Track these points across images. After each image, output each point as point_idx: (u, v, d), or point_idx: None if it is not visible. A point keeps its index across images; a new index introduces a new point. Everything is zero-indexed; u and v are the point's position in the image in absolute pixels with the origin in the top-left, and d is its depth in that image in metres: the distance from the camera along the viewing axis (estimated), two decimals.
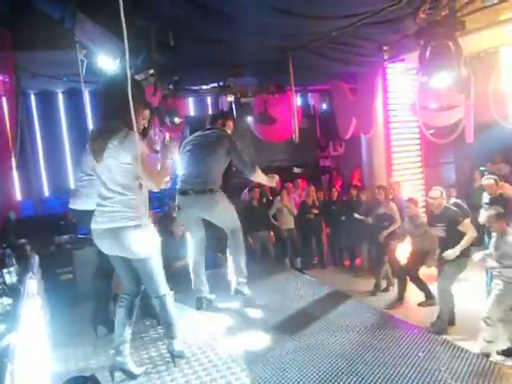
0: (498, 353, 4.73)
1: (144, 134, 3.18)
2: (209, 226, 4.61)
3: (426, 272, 6.58)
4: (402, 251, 7.16)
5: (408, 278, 6.63)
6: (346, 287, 6.65)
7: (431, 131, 8.34)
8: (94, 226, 3.01)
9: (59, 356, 3.56)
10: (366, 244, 8.20)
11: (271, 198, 9.09)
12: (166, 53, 5.39)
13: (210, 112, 11.33)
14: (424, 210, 7.95)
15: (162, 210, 8.29)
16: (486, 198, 6.55)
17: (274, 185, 4.85)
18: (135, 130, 2.76)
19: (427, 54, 4.46)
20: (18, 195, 8.78)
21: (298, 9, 4.62)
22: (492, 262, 5.02)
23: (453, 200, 6.68)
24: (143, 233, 2.97)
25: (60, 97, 9.98)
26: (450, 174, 11.36)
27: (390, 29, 5.54)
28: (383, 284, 7.45)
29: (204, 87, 9.12)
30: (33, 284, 3.33)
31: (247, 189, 8.96)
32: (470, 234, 5.46)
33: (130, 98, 2.59)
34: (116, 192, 2.91)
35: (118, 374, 3.16)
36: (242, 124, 9.32)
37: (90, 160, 3.05)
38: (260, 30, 5.14)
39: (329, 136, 12.56)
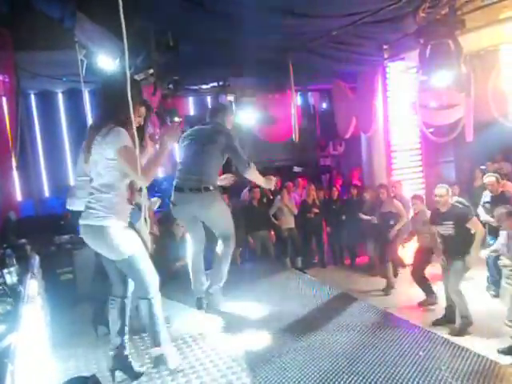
0: (499, 351, 4.72)
1: (140, 131, 3.12)
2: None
3: (432, 271, 6.56)
4: (409, 250, 7.18)
5: (412, 277, 6.60)
6: (346, 286, 6.65)
7: (431, 130, 8.34)
8: (79, 221, 2.98)
9: (60, 356, 3.55)
10: (372, 243, 8.18)
11: (271, 197, 9.09)
12: (166, 53, 5.40)
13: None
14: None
15: (163, 210, 8.29)
16: (486, 196, 6.54)
17: (270, 187, 4.67)
18: (134, 127, 2.73)
19: (427, 52, 4.47)
20: (19, 195, 8.76)
21: (298, 8, 4.62)
22: (505, 260, 5.01)
23: (455, 198, 6.65)
24: (122, 233, 2.88)
25: (60, 97, 9.96)
26: (449, 172, 11.35)
27: (389, 28, 5.54)
28: (385, 283, 7.44)
29: (204, 87, 9.13)
30: (33, 284, 3.33)
31: (247, 188, 8.95)
32: (480, 230, 5.39)
33: (130, 98, 2.59)
34: (99, 189, 2.87)
35: (119, 374, 3.16)
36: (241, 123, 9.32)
37: (83, 158, 3.03)
38: (260, 29, 5.14)
39: (329, 135, 12.54)
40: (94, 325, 4.07)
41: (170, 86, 7.39)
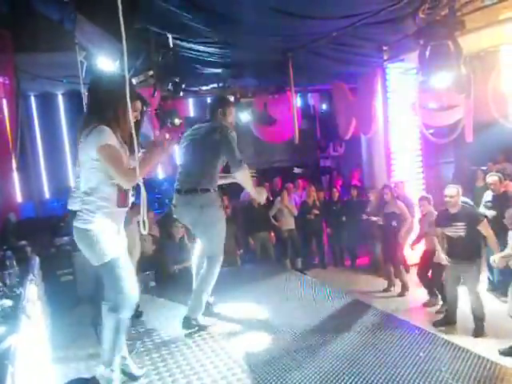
0: (500, 352, 4.71)
1: (137, 126, 3.07)
2: None
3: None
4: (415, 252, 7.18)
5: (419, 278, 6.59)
6: (346, 287, 6.65)
7: (431, 131, 8.35)
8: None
9: (60, 358, 3.55)
10: (375, 244, 8.17)
11: (271, 198, 9.09)
12: (166, 54, 5.41)
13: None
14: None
15: (162, 211, 8.30)
16: (488, 196, 6.53)
17: (259, 200, 4.23)
18: (131, 124, 2.65)
19: (427, 53, 4.47)
20: (19, 197, 8.77)
21: (298, 9, 4.63)
22: None
23: (462, 198, 6.59)
24: (103, 237, 2.75)
25: (60, 98, 9.99)
26: (449, 173, 11.36)
27: (389, 29, 5.55)
28: (385, 284, 7.44)
29: (204, 88, 9.13)
30: (33, 286, 3.33)
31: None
32: (491, 232, 5.32)
33: (128, 97, 2.55)
34: (85, 192, 2.80)
35: (119, 376, 3.15)
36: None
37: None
38: (260, 30, 5.15)
39: (329, 136, 12.57)
40: (94, 326, 4.06)
41: (170, 87, 7.41)
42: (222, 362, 3.34)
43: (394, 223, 7.18)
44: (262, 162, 11.92)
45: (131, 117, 2.64)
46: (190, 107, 11.39)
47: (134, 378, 3.16)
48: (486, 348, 4.64)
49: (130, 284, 2.86)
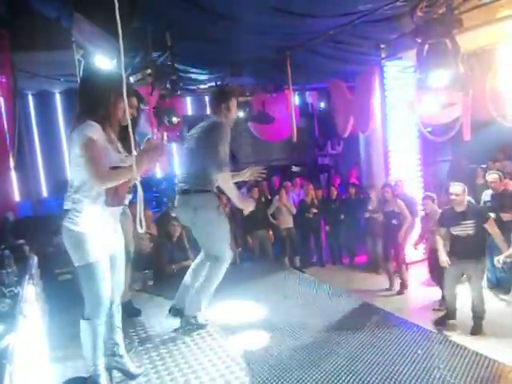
0: None
1: (133, 123, 3.04)
2: None
3: None
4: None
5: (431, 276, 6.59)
6: (345, 285, 6.67)
7: (429, 129, 8.34)
8: None
9: (58, 357, 3.55)
10: (374, 241, 8.17)
11: (270, 197, 9.09)
12: (164, 53, 5.40)
13: (208, 112, 11.33)
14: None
15: (160, 209, 8.29)
16: (486, 195, 6.54)
17: (245, 210, 3.87)
18: (128, 120, 2.62)
19: (425, 51, 4.46)
20: (16, 196, 8.75)
21: (296, 8, 4.63)
22: None
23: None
24: (83, 238, 2.69)
25: (58, 97, 9.97)
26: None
27: (387, 27, 5.55)
28: (385, 282, 7.45)
29: (202, 87, 9.12)
30: (31, 285, 3.33)
31: (245, 187, 8.95)
32: (497, 230, 5.30)
33: (125, 95, 2.54)
34: (73, 190, 2.73)
35: (118, 375, 3.16)
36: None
37: None
38: (258, 29, 5.15)
39: (327, 134, 12.58)
40: None
41: (168, 85, 7.41)
42: (220, 361, 3.34)
43: (395, 221, 7.19)
44: (260, 160, 11.93)
45: (127, 113, 2.61)
46: (188, 106, 11.39)
47: (132, 376, 3.15)
48: (484, 346, 4.66)
49: (106, 290, 2.82)
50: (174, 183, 4.12)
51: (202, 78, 8.19)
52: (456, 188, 5.35)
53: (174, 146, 10.30)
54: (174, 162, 10.71)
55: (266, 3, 4.43)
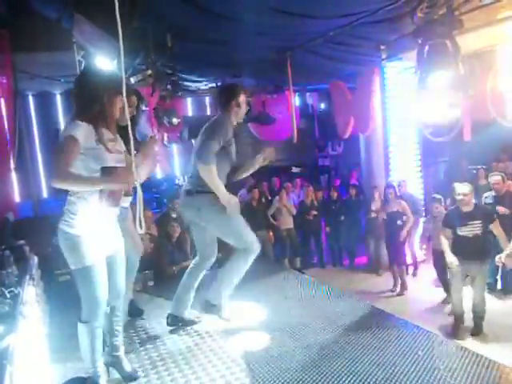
0: None
1: (133, 121, 3.01)
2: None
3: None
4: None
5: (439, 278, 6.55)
6: (345, 286, 6.66)
7: (429, 130, 8.34)
8: None
9: (58, 357, 3.54)
10: (376, 243, 8.17)
11: (270, 197, 9.09)
12: (164, 54, 5.39)
13: (209, 113, 11.34)
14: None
15: (160, 210, 8.29)
16: (488, 198, 6.51)
17: (229, 208, 3.71)
18: (128, 120, 2.61)
19: (425, 52, 4.47)
20: (17, 196, 8.76)
21: (296, 9, 4.63)
22: None
23: None
24: (77, 240, 2.65)
25: (58, 98, 9.98)
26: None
27: (387, 28, 5.55)
28: (386, 283, 7.45)
29: (202, 87, 9.13)
30: (32, 285, 3.33)
31: (245, 188, 8.96)
32: (502, 231, 5.27)
33: (125, 95, 2.54)
34: (67, 192, 2.68)
35: (117, 376, 3.15)
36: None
37: None
38: (258, 30, 5.15)
39: (327, 135, 12.58)
40: None
41: (169, 86, 7.41)
42: (221, 361, 3.34)
43: (400, 222, 7.17)
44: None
45: (127, 112, 2.60)
46: (189, 107, 11.40)
47: (132, 377, 3.15)
48: (485, 346, 4.66)
49: (103, 292, 2.81)
50: (175, 184, 4.12)
51: (203, 79, 8.19)
52: (463, 188, 5.30)
53: (175, 147, 10.31)
54: (174, 163, 10.72)
55: (266, 4, 4.43)
